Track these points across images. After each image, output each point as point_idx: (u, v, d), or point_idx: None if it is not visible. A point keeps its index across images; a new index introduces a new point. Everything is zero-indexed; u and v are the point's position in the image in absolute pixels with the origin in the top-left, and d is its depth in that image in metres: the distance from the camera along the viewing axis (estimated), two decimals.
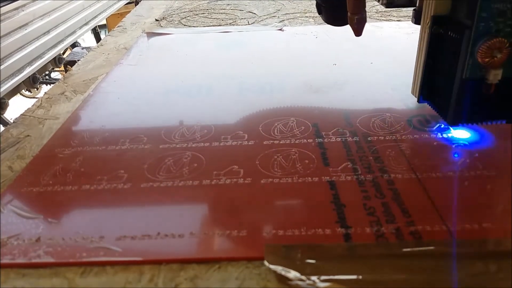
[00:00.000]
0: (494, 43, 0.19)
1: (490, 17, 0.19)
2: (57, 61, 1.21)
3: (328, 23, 0.29)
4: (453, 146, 0.25)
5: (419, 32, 0.23)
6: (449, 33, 0.21)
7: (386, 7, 0.26)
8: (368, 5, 0.60)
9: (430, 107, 0.25)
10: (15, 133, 0.30)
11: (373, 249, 0.18)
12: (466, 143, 0.25)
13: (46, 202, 0.22)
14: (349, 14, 0.26)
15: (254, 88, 0.35)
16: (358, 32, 0.27)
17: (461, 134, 0.26)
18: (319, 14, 0.29)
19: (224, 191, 0.22)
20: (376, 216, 0.20)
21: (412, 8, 0.26)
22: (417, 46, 0.24)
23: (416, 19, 0.25)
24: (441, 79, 0.23)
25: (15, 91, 1.06)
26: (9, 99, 1.06)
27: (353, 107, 0.31)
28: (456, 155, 0.24)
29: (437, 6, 0.21)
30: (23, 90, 1.25)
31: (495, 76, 0.20)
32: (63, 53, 1.42)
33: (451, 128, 0.27)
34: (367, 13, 0.53)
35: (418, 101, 0.24)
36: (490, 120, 0.22)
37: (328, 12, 0.28)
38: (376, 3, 0.61)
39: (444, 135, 0.26)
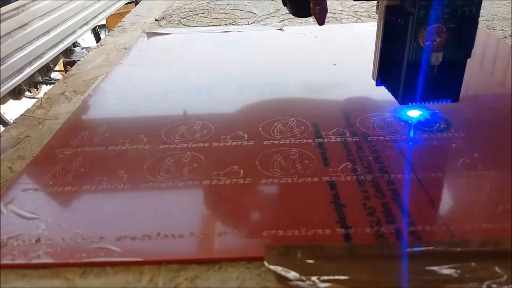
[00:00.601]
0: (433, 28, 0.22)
1: (429, 5, 0.22)
2: (68, 52, 1.22)
3: (293, 15, 0.30)
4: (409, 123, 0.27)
5: None
6: (399, 20, 0.24)
7: (355, 0, 0.28)
8: (368, 5, 0.60)
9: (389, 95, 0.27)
10: (15, 134, 0.30)
11: (373, 249, 0.18)
12: (418, 120, 0.28)
13: (46, 202, 0.22)
14: (311, 4, 0.27)
15: (254, 88, 0.35)
16: (320, 21, 0.28)
17: (414, 113, 0.29)
18: (284, 6, 0.30)
19: (224, 191, 0.22)
20: (376, 216, 0.20)
21: (376, 1, 0.28)
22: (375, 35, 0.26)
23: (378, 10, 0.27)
24: (394, 63, 0.25)
25: (30, 79, 1.06)
26: (27, 85, 1.06)
27: (353, 107, 0.31)
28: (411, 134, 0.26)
29: None
30: (12, 99, 1.25)
31: (436, 58, 0.23)
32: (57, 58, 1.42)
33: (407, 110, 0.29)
34: (368, 13, 0.53)
35: (376, 84, 0.27)
36: (437, 99, 0.25)
37: (293, 4, 0.29)
38: (375, 2, 0.61)
39: (399, 116, 0.29)
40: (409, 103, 0.25)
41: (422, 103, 0.25)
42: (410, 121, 0.28)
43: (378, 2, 0.27)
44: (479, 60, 0.38)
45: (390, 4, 0.24)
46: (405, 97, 0.25)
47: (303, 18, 0.54)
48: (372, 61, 0.27)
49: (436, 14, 0.22)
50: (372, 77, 0.27)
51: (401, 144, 0.25)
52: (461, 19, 0.22)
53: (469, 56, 0.23)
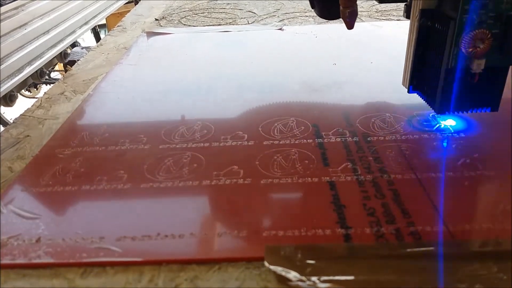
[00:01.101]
0: (476, 34, 0.21)
1: (473, 10, 0.21)
2: (62, 56, 1.21)
3: (321, 17, 0.30)
4: (442, 135, 0.26)
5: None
6: (436, 25, 0.23)
7: (380, 2, 0.27)
8: (368, 4, 0.60)
9: (422, 99, 0.26)
10: (15, 133, 0.30)
11: (373, 249, 0.18)
12: (453, 131, 0.27)
13: (46, 202, 0.22)
14: (341, 8, 0.26)
15: (254, 88, 0.35)
16: (350, 25, 0.27)
17: (449, 123, 0.28)
18: (312, 8, 0.29)
19: (224, 192, 0.22)
20: (376, 217, 0.20)
21: (404, 3, 0.26)
22: (407, 39, 0.25)
23: (407, 13, 0.26)
24: (429, 69, 0.24)
25: (23, 84, 1.06)
26: (18, 91, 1.06)
27: (353, 107, 0.31)
28: (445, 144, 0.25)
29: (425, 0, 0.23)
30: (22, 90, 1.25)
31: (478, 65, 0.21)
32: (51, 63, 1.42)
33: (439, 119, 0.28)
34: (368, 12, 0.53)
35: (408, 91, 0.26)
36: (476, 108, 0.24)
37: (321, 6, 0.28)
38: (376, 2, 0.61)
39: (433, 126, 0.27)
40: (447, 112, 0.24)
41: (460, 112, 0.24)
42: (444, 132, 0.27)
43: (406, 5, 0.26)
44: None
45: (426, 7, 0.23)
46: (442, 105, 0.23)
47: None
48: (403, 67, 0.26)
49: (480, 18, 0.21)
50: (403, 84, 0.26)
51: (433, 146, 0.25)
52: (506, 24, 0.21)
53: (511, 63, 0.22)
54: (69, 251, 0.19)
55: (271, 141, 0.26)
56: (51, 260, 0.18)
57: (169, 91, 0.35)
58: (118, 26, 0.57)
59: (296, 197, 0.22)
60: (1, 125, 1.08)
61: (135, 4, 0.95)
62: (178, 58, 0.42)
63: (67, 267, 0.18)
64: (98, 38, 1.71)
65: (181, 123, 0.29)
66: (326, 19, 0.30)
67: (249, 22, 0.54)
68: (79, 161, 0.25)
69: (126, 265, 0.18)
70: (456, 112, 0.24)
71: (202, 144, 0.27)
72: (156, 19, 0.58)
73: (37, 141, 0.29)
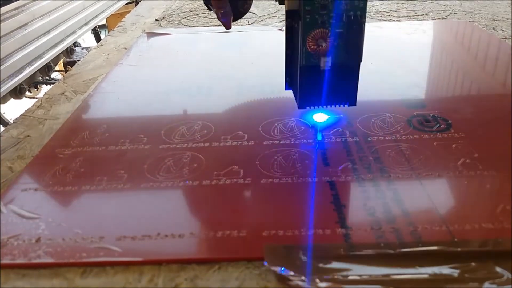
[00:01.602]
0: (317, 33, 0.22)
1: (314, 10, 0.22)
2: (68, 52, 1.22)
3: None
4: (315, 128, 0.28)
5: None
6: (295, 25, 0.24)
7: (280, 3, 0.26)
8: (368, 5, 0.60)
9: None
10: (15, 133, 0.30)
11: (373, 249, 0.18)
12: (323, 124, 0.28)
13: (46, 202, 0.22)
14: (214, 9, 0.27)
15: (254, 88, 0.35)
16: (226, 25, 0.28)
17: (320, 117, 0.29)
18: (209, 10, 0.30)
19: (224, 191, 0.22)
20: (376, 217, 0.20)
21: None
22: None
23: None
24: (294, 67, 0.25)
25: (31, 78, 1.06)
26: (27, 84, 1.07)
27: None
28: (319, 138, 0.27)
29: (289, 1, 0.23)
30: (12, 98, 1.25)
31: (325, 63, 0.23)
32: (58, 58, 1.42)
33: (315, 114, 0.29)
34: (368, 13, 0.53)
35: (285, 88, 0.27)
36: (333, 103, 0.25)
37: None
38: (376, 2, 0.61)
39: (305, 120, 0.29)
40: (307, 107, 0.25)
41: (319, 107, 0.25)
42: (315, 125, 0.28)
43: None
44: (479, 61, 0.38)
45: (290, 8, 0.24)
46: (303, 101, 0.24)
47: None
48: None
49: (322, 19, 0.22)
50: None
51: (308, 148, 0.26)
52: (347, 24, 0.22)
53: (360, 60, 0.23)
54: (69, 251, 0.19)
55: (271, 141, 0.26)
56: (51, 260, 0.18)
57: (169, 91, 0.35)
58: (118, 26, 0.57)
59: (296, 197, 0.21)
60: (1, 125, 1.08)
61: (136, 5, 0.95)
62: (178, 59, 0.42)
63: (67, 267, 0.18)
64: (98, 39, 1.71)
65: (181, 123, 0.29)
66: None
67: (250, 23, 0.54)
68: (79, 161, 0.25)
69: (126, 265, 0.18)
70: (315, 107, 0.25)
71: (202, 144, 0.27)
72: (157, 20, 0.58)
73: (37, 141, 0.29)
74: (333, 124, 0.28)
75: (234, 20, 0.29)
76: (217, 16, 0.27)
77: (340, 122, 0.28)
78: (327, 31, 0.22)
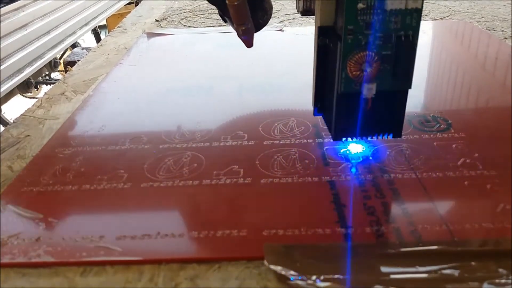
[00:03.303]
0: (361, 57, 0.19)
1: (358, 30, 0.19)
2: (52, 65, 1.20)
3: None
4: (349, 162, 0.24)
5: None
6: (331, 44, 0.21)
7: (302, 15, 0.24)
8: None
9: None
10: (15, 133, 0.30)
11: (373, 249, 0.18)
12: (361, 157, 0.24)
13: (46, 202, 0.22)
14: (234, 25, 0.24)
15: (254, 88, 0.35)
16: (248, 43, 0.25)
17: (356, 148, 0.25)
18: (225, 22, 0.27)
19: (224, 191, 0.22)
20: (376, 216, 0.20)
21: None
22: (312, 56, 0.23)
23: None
24: (328, 92, 0.22)
25: (8, 96, 1.07)
26: (2, 104, 1.07)
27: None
28: (353, 171, 0.23)
29: (322, 16, 0.20)
30: (21, 92, 1.25)
31: (369, 90, 0.19)
32: (63, 54, 1.42)
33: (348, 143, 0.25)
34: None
35: (314, 114, 0.24)
36: (375, 134, 0.22)
37: (231, 23, 0.25)
38: None
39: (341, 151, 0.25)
40: (344, 139, 0.22)
41: (359, 139, 0.22)
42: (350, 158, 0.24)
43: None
44: (479, 61, 0.38)
45: (323, 24, 0.21)
46: (338, 132, 0.21)
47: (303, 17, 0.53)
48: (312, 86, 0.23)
49: (367, 39, 0.19)
50: (312, 104, 0.24)
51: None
52: (396, 46, 0.19)
53: (409, 87, 0.20)
54: (69, 250, 0.19)
55: (271, 141, 0.26)
56: (51, 259, 0.18)
57: (169, 91, 0.35)
58: (118, 27, 0.57)
59: (296, 197, 0.21)
60: (1, 125, 1.08)
61: (136, 5, 0.95)
62: (178, 59, 0.42)
63: (67, 266, 0.18)
64: (98, 39, 1.71)
65: (181, 123, 0.29)
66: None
67: None
68: (79, 161, 0.25)
69: (126, 264, 0.18)
70: (355, 139, 0.22)
71: (202, 143, 0.27)
72: (157, 20, 0.58)
73: (37, 141, 0.29)
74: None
75: (255, 32, 0.26)
76: (237, 33, 0.24)
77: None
78: (373, 54, 0.19)
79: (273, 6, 0.62)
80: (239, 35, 0.24)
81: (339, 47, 0.19)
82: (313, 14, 0.23)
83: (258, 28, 0.26)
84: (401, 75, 0.20)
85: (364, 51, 0.19)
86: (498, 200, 0.21)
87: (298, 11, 0.23)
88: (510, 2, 0.58)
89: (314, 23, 0.22)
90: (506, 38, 0.44)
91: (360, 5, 0.18)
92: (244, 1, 0.22)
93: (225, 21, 0.26)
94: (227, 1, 0.22)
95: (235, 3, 0.22)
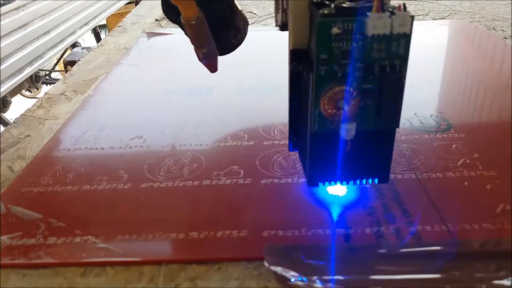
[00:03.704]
0: (337, 92, 0.16)
1: (333, 59, 0.15)
2: (33, 79, 1.19)
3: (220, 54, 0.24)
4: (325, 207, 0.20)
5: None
6: (304, 72, 0.17)
7: (281, 30, 0.22)
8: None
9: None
10: (15, 133, 0.30)
11: (373, 249, 0.18)
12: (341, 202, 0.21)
13: (46, 202, 0.22)
14: (194, 48, 0.21)
15: (254, 88, 0.35)
16: (211, 67, 0.22)
17: (336, 190, 0.21)
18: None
19: (224, 191, 0.22)
20: (376, 217, 0.20)
21: None
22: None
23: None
24: (303, 127, 0.19)
25: (17, 89, 1.07)
26: (12, 97, 1.07)
27: None
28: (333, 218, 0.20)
29: (294, 37, 0.17)
30: (23, 90, 1.24)
31: (347, 131, 0.16)
32: (63, 53, 1.42)
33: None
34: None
35: (289, 149, 0.21)
36: (356, 179, 0.19)
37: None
38: None
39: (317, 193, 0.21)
40: (320, 184, 0.19)
41: (338, 184, 0.19)
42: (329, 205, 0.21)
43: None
44: (479, 61, 0.38)
45: (296, 47, 0.17)
46: (313, 177, 0.18)
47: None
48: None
49: (344, 71, 0.15)
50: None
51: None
52: (381, 78, 0.16)
53: (396, 126, 0.17)
54: (69, 251, 0.19)
55: (271, 141, 0.26)
56: (51, 260, 0.18)
57: (169, 91, 0.35)
58: (118, 26, 0.57)
59: (296, 197, 0.21)
60: (1, 125, 1.08)
61: (136, 5, 0.95)
62: (178, 59, 0.42)
63: (67, 267, 0.18)
64: (98, 39, 1.71)
65: (181, 123, 0.29)
66: (222, 54, 0.24)
67: (250, 23, 0.54)
68: (79, 161, 0.25)
69: (126, 265, 0.18)
70: (332, 184, 0.19)
71: (202, 144, 0.27)
72: (157, 20, 0.58)
73: (38, 141, 0.29)
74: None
75: (226, 53, 0.23)
76: (197, 57, 0.21)
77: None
78: (351, 89, 0.16)
79: (274, 6, 0.62)
80: (199, 59, 0.21)
81: (311, 79, 0.16)
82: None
83: (230, 49, 0.23)
84: (386, 113, 0.16)
85: (341, 85, 0.16)
86: (498, 200, 0.21)
87: (276, 25, 0.20)
88: (510, 2, 0.58)
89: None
90: (506, 38, 0.44)
91: (335, 30, 0.15)
92: (203, 20, 0.19)
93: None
94: (182, 20, 0.19)
95: (192, 21, 0.19)
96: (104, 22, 1.63)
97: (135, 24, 0.57)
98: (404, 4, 0.15)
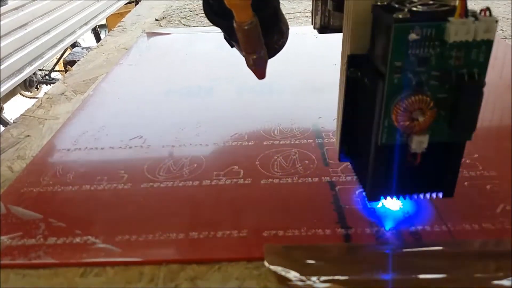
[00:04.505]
0: (413, 102, 0.15)
1: (408, 67, 0.14)
2: (27, 84, 1.18)
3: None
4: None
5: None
6: (365, 79, 0.16)
7: (319, 32, 0.21)
8: None
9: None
10: (15, 133, 0.30)
11: (373, 249, 0.18)
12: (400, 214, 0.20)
13: (46, 202, 0.22)
14: (244, 53, 0.20)
15: (254, 88, 0.35)
16: (259, 75, 0.21)
17: (392, 204, 0.20)
18: (231, 47, 0.23)
19: (224, 191, 0.22)
20: (376, 216, 0.20)
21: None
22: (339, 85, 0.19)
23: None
24: (361, 136, 0.18)
25: (10, 94, 1.06)
26: (4, 103, 1.06)
27: None
28: (389, 229, 0.19)
29: (352, 42, 0.16)
30: (22, 91, 1.24)
31: (419, 144, 0.15)
32: (63, 53, 1.42)
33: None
34: None
35: (339, 159, 0.20)
36: (420, 192, 0.18)
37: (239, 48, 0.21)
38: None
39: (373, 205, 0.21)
40: (381, 199, 0.18)
41: (400, 198, 0.18)
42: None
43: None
44: None
45: (355, 52, 0.16)
46: (375, 192, 0.18)
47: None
48: (336, 123, 0.20)
49: (419, 78, 0.15)
50: (336, 145, 0.20)
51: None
52: (457, 87, 0.15)
53: (469, 138, 0.16)
54: (69, 251, 0.19)
55: (271, 141, 0.26)
56: (51, 260, 0.18)
57: (169, 91, 0.35)
58: (118, 26, 0.57)
59: (296, 197, 0.21)
60: (1, 125, 1.08)
61: (135, 5, 0.95)
62: (178, 59, 0.42)
63: (67, 267, 0.18)
64: (98, 39, 1.71)
65: (181, 123, 0.29)
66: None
67: None
68: (79, 161, 0.25)
69: (126, 265, 0.18)
70: (395, 198, 0.18)
71: (202, 144, 0.27)
72: (157, 20, 0.58)
73: (37, 141, 0.29)
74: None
75: (268, 59, 0.22)
76: (247, 63, 0.20)
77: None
78: (427, 98, 0.14)
79: None
80: (248, 65, 0.20)
81: (381, 87, 0.15)
82: (332, 32, 0.19)
83: (273, 54, 0.22)
84: (461, 125, 0.16)
85: (417, 94, 0.14)
86: (498, 200, 0.21)
87: (314, 28, 0.19)
88: (510, 2, 0.58)
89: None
90: (506, 38, 0.44)
91: (413, 36, 0.14)
92: (257, 24, 0.18)
93: (232, 46, 0.22)
94: (234, 24, 0.18)
95: (245, 27, 0.18)
96: (104, 22, 1.63)
97: (135, 24, 0.57)
98: (488, 8, 0.14)
